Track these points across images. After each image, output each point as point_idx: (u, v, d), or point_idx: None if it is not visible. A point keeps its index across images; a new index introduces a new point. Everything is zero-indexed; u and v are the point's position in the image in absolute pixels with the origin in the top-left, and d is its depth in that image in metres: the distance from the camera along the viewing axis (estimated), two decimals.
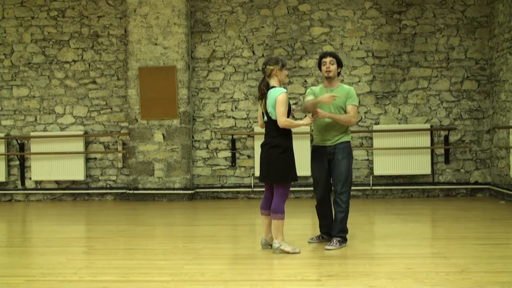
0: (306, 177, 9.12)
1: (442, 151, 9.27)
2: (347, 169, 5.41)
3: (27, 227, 7.65)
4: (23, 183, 9.72)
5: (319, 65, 5.58)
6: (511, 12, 8.35)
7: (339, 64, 5.56)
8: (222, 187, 9.51)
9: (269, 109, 5.11)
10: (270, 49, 9.45)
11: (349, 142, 5.51)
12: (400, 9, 9.34)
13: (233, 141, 9.46)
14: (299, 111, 5.78)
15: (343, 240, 5.43)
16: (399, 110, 9.33)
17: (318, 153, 5.53)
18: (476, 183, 9.28)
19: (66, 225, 7.35)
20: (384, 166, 9.17)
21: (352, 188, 9.08)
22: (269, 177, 5.18)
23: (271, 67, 5.18)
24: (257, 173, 8.76)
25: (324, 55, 5.56)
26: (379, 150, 9.17)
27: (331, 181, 5.54)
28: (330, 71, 5.48)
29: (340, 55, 8.99)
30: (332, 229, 5.48)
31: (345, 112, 5.46)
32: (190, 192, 9.29)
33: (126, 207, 8.77)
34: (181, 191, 9.25)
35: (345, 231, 5.47)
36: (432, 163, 9.25)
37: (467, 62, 9.28)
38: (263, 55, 9.41)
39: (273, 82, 5.20)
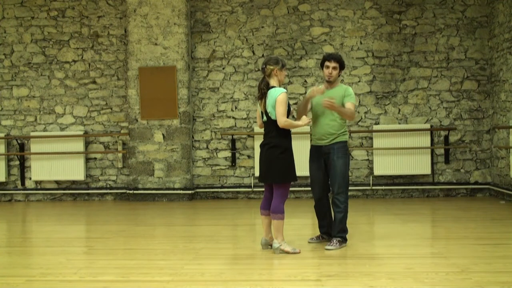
0: (306, 177, 9.08)
1: (442, 151, 9.27)
2: (343, 169, 5.40)
3: (27, 227, 7.65)
4: (23, 183, 9.72)
5: (322, 65, 5.58)
6: (511, 12, 8.34)
7: (342, 67, 5.57)
8: (222, 187, 9.51)
9: (269, 109, 5.11)
10: (270, 49, 9.45)
11: (345, 142, 5.49)
12: (400, 9, 9.34)
13: (233, 141, 9.46)
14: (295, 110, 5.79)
15: (343, 240, 5.43)
16: (399, 110, 9.33)
17: (315, 153, 5.54)
18: (476, 183, 9.27)
19: (66, 225, 7.35)
20: (384, 166, 9.17)
21: (352, 188, 9.15)
22: (268, 177, 5.18)
23: (271, 67, 5.18)
24: (257, 173, 8.76)
25: (328, 58, 5.52)
26: (379, 150, 9.17)
27: (329, 182, 5.54)
28: (331, 76, 5.49)
29: (341, 55, 8.99)
30: (332, 230, 5.49)
31: None
32: (190, 192, 9.29)
33: (126, 207, 8.77)
34: (181, 191, 9.25)
35: (345, 231, 5.47)
36: (432, 163, 9.25)
37: (467, 62, 9.28)
38: (263, 55, 9.41)
39: (272, 82, 5.20)
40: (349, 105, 5.43)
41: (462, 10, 9.28)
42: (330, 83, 5.53)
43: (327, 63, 5.50)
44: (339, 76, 5.59)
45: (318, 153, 5.50)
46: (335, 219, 5.42)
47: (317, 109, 5.50)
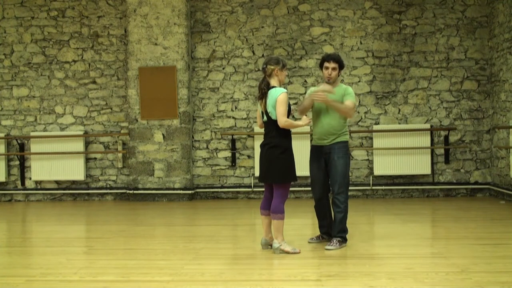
0: (306, 177, 9.10)
1: (442, 151, 9.27)
2: (343, 169, 5.40)
3: (27, 227, 7.65)
4: (23, 183, 9.72)
5: (321, 66, 5.58)
6: (511, 12, 8.35)
7: (341, 67, 5.56)
8: (222, 187, 9.51)
9: (269, 109, 5.11)
10: (270, 49, 9.45)
11: (346, 142, 5.50)
12: (400, 9, 9.34)
13: (233, 141, 9.47)
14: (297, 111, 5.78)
15: (343, 240, 5.43)
16: (399, 110, 9.33)
17: (315, 152, 5.54)
18: (476, 183, 9.27)
19: (66, 225, 7.35)
20: (384, 166, 9.17)
21: (352, 188, 9.15)
22: (268, 177, 5.18)
23: (272, 67, 5.18)
24: (257, 173, 8.76)
25: (327, 58, 5.51)
26: (379, 150, 9.17)
27: (329, 182, 5.54)
28: (331, 77, 5.48)
29: (340, 55, 8.99)
30: (332, 230, 5.49)
31: None
32: (190, 192, 9.29)
33: (126, 207, 8.77)
34: (181, 191, 9.25)
35: (345, 231, 5.47)
36: (432, 163, 9.25)
37: (467, 62, 9.28)
38: (263, 55, 9.41)
39: (273, 82, 5.21)
40: (348, 102, 5.42)
41: (462, 10, 9.28)
42: (330, 83, 5.53)
43: (326, 64, 5.49)
44: (338, 76, 5.59)
45: (318, 153, 5.50)
46: (335, 219, 5.42)
47: (318, 109, 5.50)
